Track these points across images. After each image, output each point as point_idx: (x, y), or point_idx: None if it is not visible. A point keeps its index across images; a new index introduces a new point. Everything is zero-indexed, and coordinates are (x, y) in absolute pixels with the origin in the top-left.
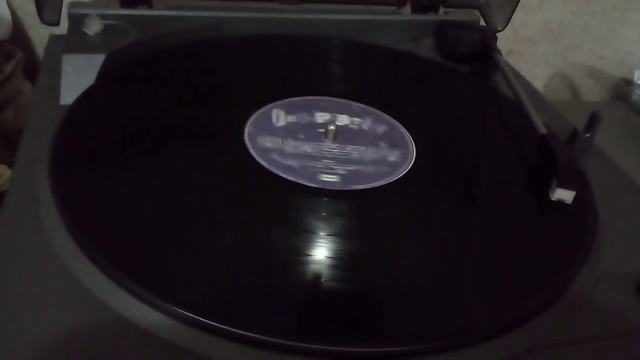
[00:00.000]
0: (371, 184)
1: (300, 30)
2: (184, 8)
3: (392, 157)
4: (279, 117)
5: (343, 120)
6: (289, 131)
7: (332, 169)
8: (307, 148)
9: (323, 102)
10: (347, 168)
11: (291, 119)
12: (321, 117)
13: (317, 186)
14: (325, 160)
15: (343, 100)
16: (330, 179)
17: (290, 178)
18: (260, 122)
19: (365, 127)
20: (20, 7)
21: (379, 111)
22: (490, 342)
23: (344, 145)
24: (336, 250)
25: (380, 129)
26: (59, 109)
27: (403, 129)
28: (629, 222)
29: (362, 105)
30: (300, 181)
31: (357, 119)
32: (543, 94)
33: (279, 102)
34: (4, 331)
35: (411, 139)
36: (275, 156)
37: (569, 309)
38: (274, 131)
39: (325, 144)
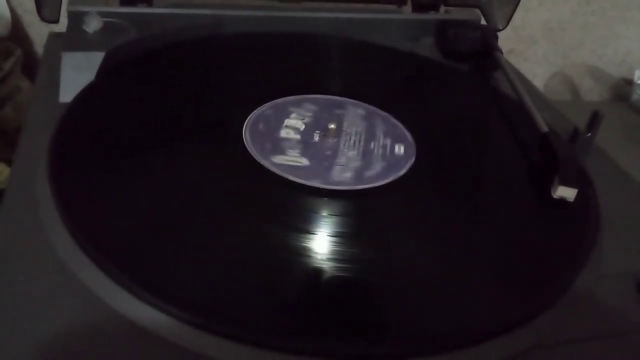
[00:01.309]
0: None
1: (300, 29)
2: (184, 6)
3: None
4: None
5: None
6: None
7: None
8: (310, 147)
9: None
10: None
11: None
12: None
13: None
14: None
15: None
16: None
17: (291, 178)
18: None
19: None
20: (19, 4)
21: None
22: (491, 342)
23: (344, 144)
24: (337, 251)
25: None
26: (58, 107)
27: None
28: (631, 221)
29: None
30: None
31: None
32: (543, 93)
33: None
34: (2, 330)
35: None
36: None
37: (571, 308)
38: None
39: (327, 143)
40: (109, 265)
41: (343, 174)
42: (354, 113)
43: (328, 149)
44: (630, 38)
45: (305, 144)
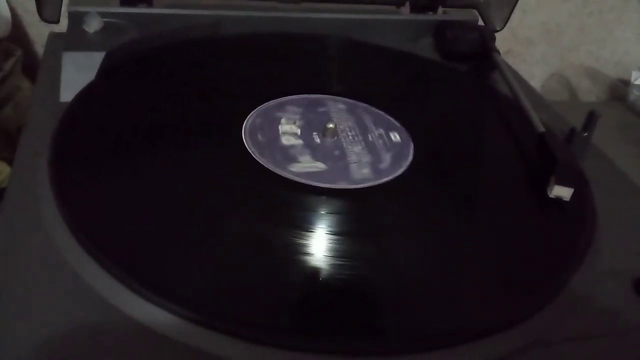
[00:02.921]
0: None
1: (300, 29)
2: (184, 6)
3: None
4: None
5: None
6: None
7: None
8: (318, 150)
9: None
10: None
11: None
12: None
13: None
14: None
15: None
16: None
17: (317, 184)
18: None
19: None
20: (19, 4)
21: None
22: (488, 339)
23: (346, 141)
24: (337, 249)
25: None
26: (58, 106)
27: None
28: (627, 221)
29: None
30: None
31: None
32: (541, 94)
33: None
34: (3, 327)
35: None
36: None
37: (567, 306)
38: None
39: (330, 143)
40: (109, 263)
41: (361, 171)
42: (336, 108)
43: (334, 148)
44: (627, 39)
45: (312, 148)
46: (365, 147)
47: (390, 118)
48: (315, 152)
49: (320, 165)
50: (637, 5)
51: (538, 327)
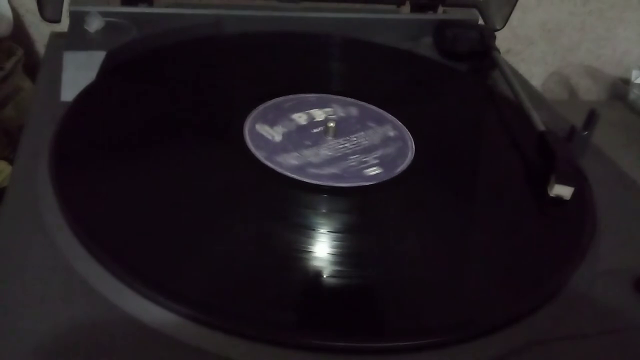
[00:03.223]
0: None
1: (300, 29)
2: (184, 6)
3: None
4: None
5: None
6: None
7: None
8: (316, 147)
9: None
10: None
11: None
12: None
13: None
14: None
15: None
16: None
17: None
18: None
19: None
20: (21, 4)
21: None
22: (488, 338)
23: (344, 142)
24: (339, 247)
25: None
26: (59, 106)
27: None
28: (627, 220)
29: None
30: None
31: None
32: (541, 93)
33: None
34: (5, 327)
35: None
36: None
37: (567, 305)
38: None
39: (328, 141)
40: (110, 262)
41: (361, 170)
42: (337, 107)
43: (334, 147)
44: (628, 38)
45: (312, 147)
46: (365, 146)
47: (391, 116)
48: (307, 147)
49: (320, 164)
50: (637, 4)
51: (538, 326)
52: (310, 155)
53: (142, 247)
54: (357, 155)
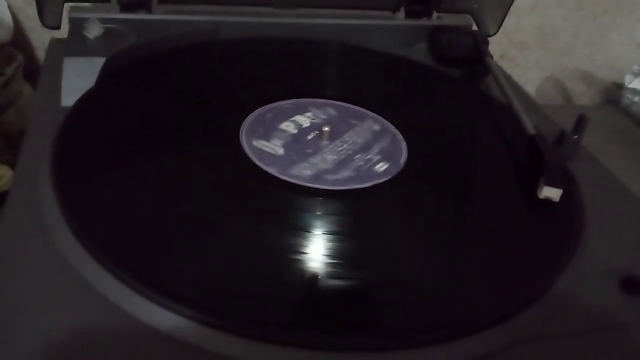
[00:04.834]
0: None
1: (296, 34)
2: (183, 12)
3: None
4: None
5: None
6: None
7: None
8: (312, 151)
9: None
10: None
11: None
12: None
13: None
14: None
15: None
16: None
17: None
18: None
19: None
20: (21, 11)
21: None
22: (476, 336)
23: (340, 146)
24: (334, 249)
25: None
26: (60, 111)
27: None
28: (615, 221)
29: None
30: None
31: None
32: (535, 97)
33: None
34: (6, 330)
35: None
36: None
37: (555, 304)
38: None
39: (323, 145)
40: (111, 264)
41: (356, 173)
42: (332, 111)
43: (330, 151)
44: (621, 43)
45: (307, 151)
46: (362, 144)
47: (385, 121)
48: (311, 155)
49: (315, 167)
50: (630, 9)
51: (525, 325)
52: (319, 162)
53: (143, 249)
54: (359, 154)
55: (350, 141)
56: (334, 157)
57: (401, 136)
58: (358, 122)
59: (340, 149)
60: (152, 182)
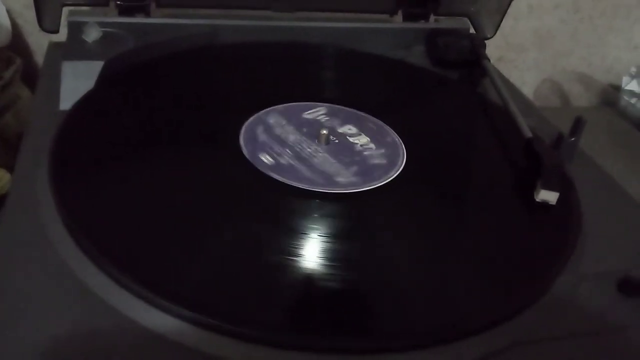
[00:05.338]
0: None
1: (294, 38)
2: (181, 16)
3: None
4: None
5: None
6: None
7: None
8: (310, 154)
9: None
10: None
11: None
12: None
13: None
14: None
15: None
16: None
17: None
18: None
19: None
20: (19, 14)
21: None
22: (474, 338)
23: (337, 149)
24: (331, 251)
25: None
26: (58, 114)
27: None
28: (612, 223)
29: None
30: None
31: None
32: (533, 99)
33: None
34: (4, 333)
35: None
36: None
37: (552, 306)
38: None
39: (321, 148)
40: (110, 267)
41: (354, 176)
42: (330, 115)
43: (327, 154)
44: (618, 46)
45: (305, 154)
46: (358, 153)
47: (383, 124)
48: (309, 157)
49: (313, 170)
50: (627, 12)
51: (522, 327)
52: (317, 165)
53: (141, 251)
54: (357, 157)
55: (348, 144)
56: (332, 160)
57: (399, 139)
58: (356, 125)
59: (338, 151)
60: (150, 185)
